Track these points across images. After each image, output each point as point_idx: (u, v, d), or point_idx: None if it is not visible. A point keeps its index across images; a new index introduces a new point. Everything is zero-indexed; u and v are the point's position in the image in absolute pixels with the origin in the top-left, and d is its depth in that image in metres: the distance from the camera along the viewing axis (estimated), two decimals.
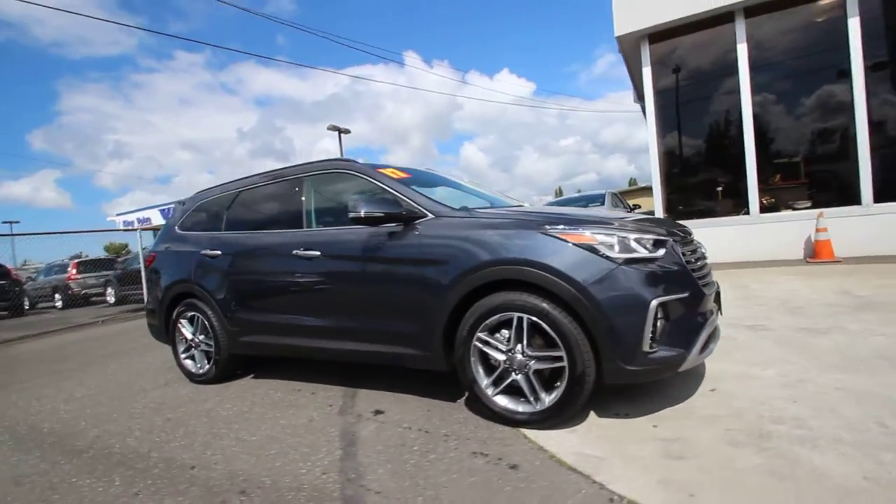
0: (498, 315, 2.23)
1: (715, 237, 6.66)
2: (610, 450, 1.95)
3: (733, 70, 6.92)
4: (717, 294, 2.46)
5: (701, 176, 7.66)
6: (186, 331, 3.62)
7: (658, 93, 7.52)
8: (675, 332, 2.07)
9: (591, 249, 2.06)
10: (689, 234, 2.54)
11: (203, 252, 3.49)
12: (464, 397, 2.70)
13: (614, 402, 2.40)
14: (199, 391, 3.39)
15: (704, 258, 2.54)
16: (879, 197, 6.21)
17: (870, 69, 6.15)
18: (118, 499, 1.95)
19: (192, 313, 3.57)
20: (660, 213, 7.55)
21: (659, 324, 2.02)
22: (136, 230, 9.65)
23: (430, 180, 3.33)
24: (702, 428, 2.06)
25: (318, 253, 2.83)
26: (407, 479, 1.88)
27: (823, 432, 1.91)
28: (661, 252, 2.14)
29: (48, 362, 5.29)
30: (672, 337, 2.06)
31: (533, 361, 2.18)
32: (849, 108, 6.31)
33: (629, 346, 1.99)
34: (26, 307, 13.65)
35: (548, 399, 2.16)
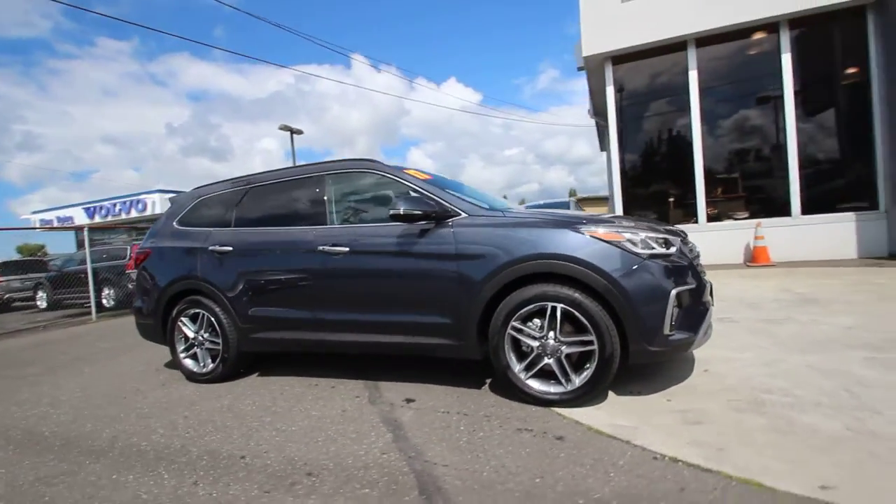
0: (531, 305, 2.46)
1: None
2: (637, 421, 2.23)
3: (685, 93, 7.68)
4: (710, 287, 2.84)
5: (655, 187, 8.38)
6: (188, 329, 3.53)
7: (619, 110, 8.16)
8: (685, 317, 2.40)
9: (620, 246, 2.35)
10: (686, 235, 2.91)
11: (211, 248, 3.43)
12: (486, 384, 2.90)
13: (628, 383, 2.70)
14: (207, 390, 3.33)
15: (699, 256, 2.92)
16: (806, 210, 7.15)
17: (798, 99, 7.09)
18: (178, 489, 1.96)
19: (196, 311, 3.49)
20: None
21: (675, 311, 2.34)
22: (82, 227, 8.89)
23: (443, 182, 3.51)
24: (708, 400, 2.39)
25: (346, 249, 2.92)
26: (466, 453, 2.05)
27: (806, 399, 2.30)
28: (673, 249, 2.47)
29: (1, 368, 4.85)
30: (684, 322, 2.38)
31: (564, 346, 2.43)
32: (782, 131, 7.22)
33: (653, 330, 2.28)
34: None
35: (578, 380, 2.41)
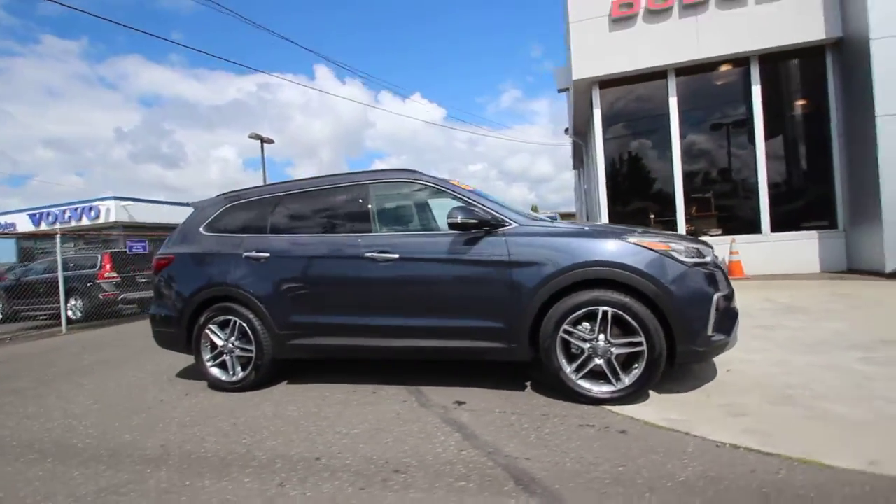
0: (583, 310, 2.63)
1: None
2: (687, 415, 2.43)
3: (666, 117, 8.25)
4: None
5: (637, 204, 8.87)
6: (217, 337, 3.47)
7: (605, 131, 8.63)
8: (722, 321, 2.64)
9: (668, 255, 2.57)
10: (712, 247, 3.19)
11: (246, 255, 3.42)
12: (528, 386, 3.04)
13: (663, 383, 2.90)
14: (240, 399, 3.28)
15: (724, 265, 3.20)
16: (775, 228, 7.79)
17: (767, 127, 7.77)
18: (266, 491, 1.97)
19: (226, 318, 3.44)
20: None
21: (715, 314, 2.57)
22: (55, 233, 8.35)
23: (484, 194, 3.66)
24: (742, 395, 2.63)
25: (396, 255, 3.00)
26: (541, 447, 2.17)
27: (825, 392, 2.58)
28: (709, 258, 2.72)
29: None
30: (721, 325, 2.62)
31: (614, 348, 2.61)
32: (753, 155, 7.87)
33: (698, 332, 2.51)
34: None
35: (627, 379, 2.59)
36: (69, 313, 9.76)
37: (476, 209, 2.86)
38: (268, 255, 3.37)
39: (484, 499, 1.77)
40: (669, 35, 7.80)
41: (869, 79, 6.41)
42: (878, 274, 6.56)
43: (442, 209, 3.43)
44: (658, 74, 8.18)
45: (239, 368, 3.44)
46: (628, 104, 8.68)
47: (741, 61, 7.81)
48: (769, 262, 7.69)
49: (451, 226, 2.80)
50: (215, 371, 3.50)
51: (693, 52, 7.75)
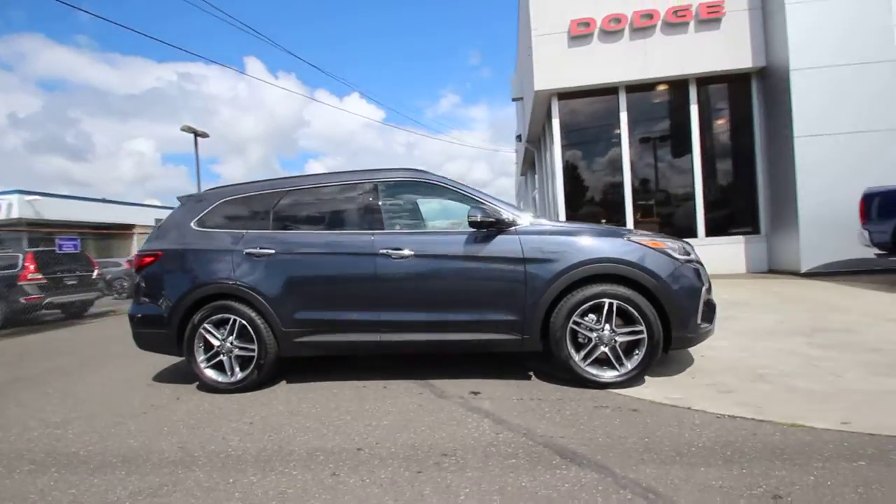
0: (590, 302, 2.89)
1: None
2: (683, 394, 2.75)
3: (617, 129, 8.93)
4: None
5: (590, 209, 9.50)
6: (212, 337, 3.34)
7: (563, 139, 9.17)
8: (706, 311, 3.01)
9: (664, 252, 2.89)
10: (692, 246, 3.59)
11: (248, 251, 3.33)
12: (531, 375, 3.24)
13: (654, 368, 3.21)
14: (245, 399, 3.18)
15: None
16: (709, 232, 8.70)
17: (702, 142, 8.68)
18: (322, 481, 1.99)
19: (223, 316, 3.33)
20: None
21: (702, 305, 2.93)
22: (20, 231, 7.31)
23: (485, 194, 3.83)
24: (722, 376, 3.01)
25: (410, 252, 3.09)
26: (569, 427, 2.38)
27: (788, 371, 3.02)
28: (693, 255, 3.09)
29: None
30: (706, 314, 2.99)
31: (618, 336, 2.89)
32: (690, 167, 8.74)
33: (690, 320, 2.85)
34: None
35: (629, 364, 2.88)
36: None
37: (491, 208, 3.03)
38: (272, 251, 3.30)
39: (539, 472, 1.94)
40: (621, 55, 8.47)
41: (788, 104, 7.41)
42: (795, 273, 7.57)
43: (447, 208, 3.57)
44: (611, 90, 8.84)
45: (238, 368, 3.34)
46: (584, 115, 9.29)
47: (682, 83, 8.66)
48: (704, 263, 8.55)
49: (472, 223, 2.95)
50: (210, 373, 3.36)
51: (641, 71, 8.48)
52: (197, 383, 3.58)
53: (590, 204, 9.44)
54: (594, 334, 2.90)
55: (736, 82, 8.53)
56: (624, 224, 9.01)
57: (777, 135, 7.98)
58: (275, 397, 3.18)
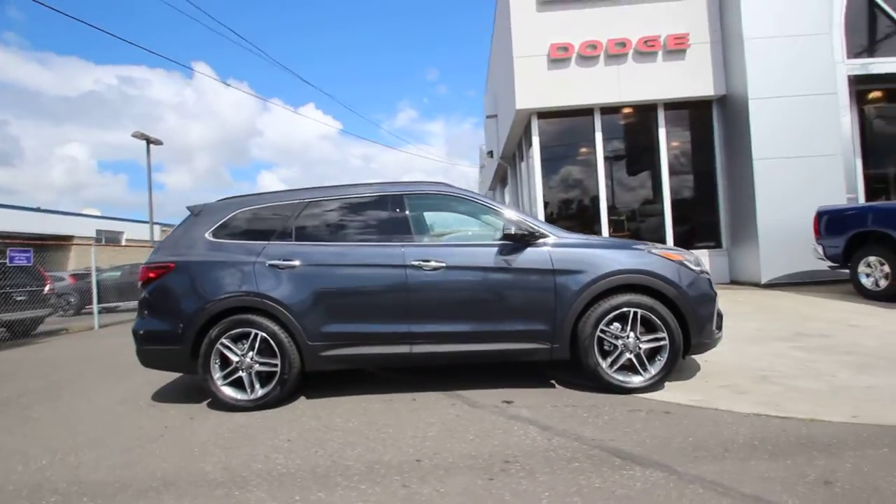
0: (615, 311, 3.05)
1: None
2: (703, 396, 2.95)
3: (593, 148, 9.40)
4: None
5: (568, 223, 9.87)
6: (231, 353, 3.22)
7: (543, 156, 9.54)
8: (718, 318, 3.25)
9: (683, 264, 3.11)
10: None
11: (271, 262, 3.26)
12: (554, 384, 3.35)
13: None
14: (269, 417, 3.08)
15: None
16: (677, 244, 9.28)
17: (670, 162, 9.30)
18: (394, 493, 1.99)
19: (243, 330, 3.22)
20: None
21: (716, 313, 3.17)
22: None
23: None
24: (732, 378, 3.25)
25: (443, 263, 3.14)
26: (614, 431, 2.49)
27: (787, 372, 3.31)
28: (704, 266, 3.33)
29: None
30: (718, 322, 3.23)
31: (642, 343, 3.06)
32: (659, 185, 9.33)
33: (706, 327, 3.08)
34: None
35: (653, 369, 3.05)
36: None
37: (524, 222, 3.15)
38: (298, 262, 3.25)
39: (606, 473, 2.03)
40: (597, 79, 8.97)
41: (747, 129, 8.12)
42: (755, 285, 8.21)
43: (463, 220, 3.66)
44: (587, 111, 9.32)
45: (257, 385, 3.23)
46: (562, 134, 9.72)
47: (651, 107, 9.27)
48: None
49: (507, 236, 3.06)
50: (228, 390, 3.23)
51: (615, 95, 9.01)
52: (207, 401, 3.43)
53: (567, 218, 9.82)
54: (620, 342, 3.06)
55: (700, 108, 9.24)
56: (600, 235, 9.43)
57: (737, 156, 8.69)
58: (301, 414, 3.10)
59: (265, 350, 3.22)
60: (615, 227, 9.82)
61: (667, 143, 9.29)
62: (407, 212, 3.37)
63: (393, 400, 3.25)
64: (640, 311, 3.04)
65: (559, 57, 8.95)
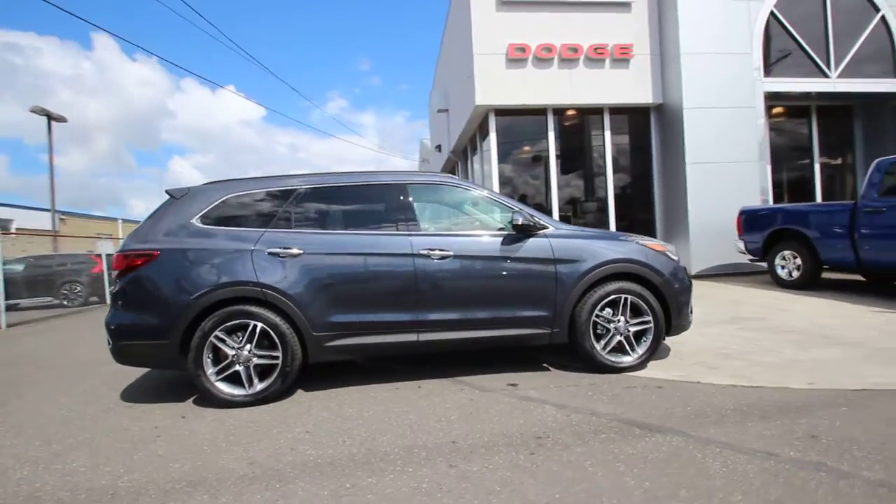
0: (608, 298, 3.31)
1: None
2: (684, 372, 3.30)
3: (546, 146, 9.87)
4: None
5: None
6: (225, 346, 3.04)
7: (499, 151, 9.83)
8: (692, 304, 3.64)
9: (665, 254, 3.45)
10: None
11: (271, 251, 3.11)
12: (548, 367, 3.56)
13: None
14: (270, 412, 2.96)
15: None
16: None
17: (614, 163, 10.02)
18: (447, 473, 2.05)
19: (240, 322, 3.06)
20: None
21: (692, 298, 3.55)
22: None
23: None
24: (701, 356, 3.66)
25: (450, 252, 3.20)
26: (620, 405, 2.73)
27: (745, 350, 3.79)
28: (679, 256, 3.71)
29: None
30: (692, 307, 3.62)
31: (631, 326, 3.35)
32: (604, 184, 10.02)
33: (685, 311, 3.44)
34: None
35: (640, 350, 3.36)
36: None
37: (529, 214, 3.30)
38: (300, 251, 3.14)
39: (634, 441, 2.24)
40: (551, 81, 9.41)
41: (681, 135, 8.99)
42: None
43: (473, 212, 3.73)
44: (541, 111, 9.75)
45: (255, 379, 3.08)
46: (518, 131, 10.07)
47: (598, 110, 9.91)
48: None
49: (515, 227, 3.19)
50: (223, 385, 3.06)
51: (567, 97, 9.51)
52: (193, 398, 3.23)
53: None
54: (612, 325, 3.33)
55: (640, 114, 10.03)
56: None
57: (672, 160, 9.58)
58: (308, 406, 3.02)
59: (263, 342, 3.08)
60: (563, 220, 10.39)
61: (612, 144, 9.99)
62: (412, 201, 3.38)
63: (399, 388, 3.27)
64: (630, 297, 3.32)
65: (517, 57, 9.25)
